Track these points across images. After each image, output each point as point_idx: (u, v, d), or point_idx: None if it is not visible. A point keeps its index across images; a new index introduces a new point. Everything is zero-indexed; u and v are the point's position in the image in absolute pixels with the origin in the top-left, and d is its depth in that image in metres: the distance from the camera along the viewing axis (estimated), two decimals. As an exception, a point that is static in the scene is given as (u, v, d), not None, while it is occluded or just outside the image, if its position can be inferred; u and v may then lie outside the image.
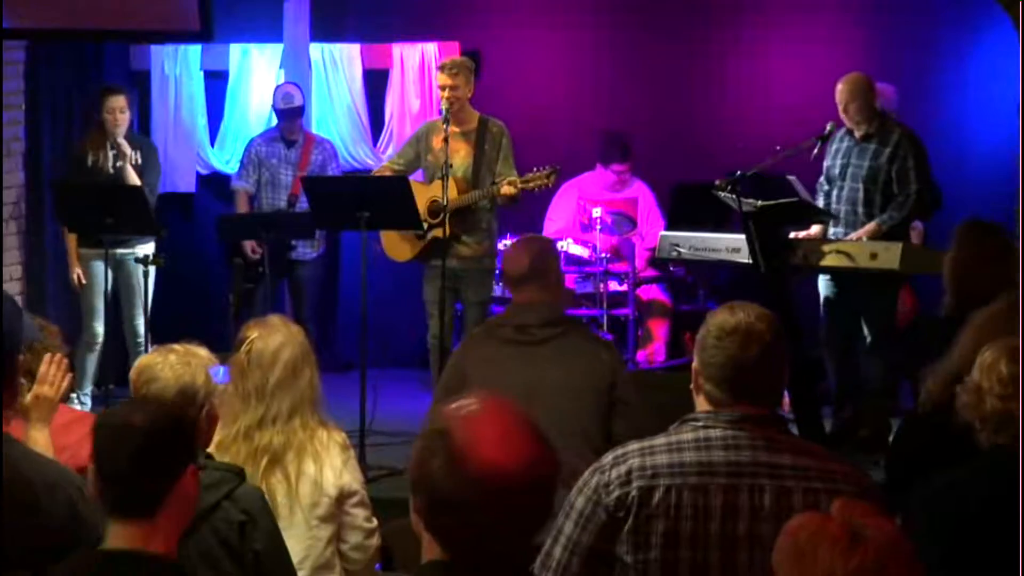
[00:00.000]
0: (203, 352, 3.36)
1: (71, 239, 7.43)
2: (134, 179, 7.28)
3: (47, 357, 3.60)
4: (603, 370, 4.37)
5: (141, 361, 3.31)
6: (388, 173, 7.04)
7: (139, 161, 7.38)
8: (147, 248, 7.28)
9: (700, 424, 2.74)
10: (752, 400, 2.74)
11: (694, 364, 2.80)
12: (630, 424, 4.25)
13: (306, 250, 7.92)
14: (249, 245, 7.73)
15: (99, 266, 7.27)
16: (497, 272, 7.41)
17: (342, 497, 3.76)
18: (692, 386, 2.80)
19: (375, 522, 3.88)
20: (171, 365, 3.23)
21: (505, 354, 4.42)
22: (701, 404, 2.78)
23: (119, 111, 7.34)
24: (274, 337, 3.75)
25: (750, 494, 2.67)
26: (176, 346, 3.33)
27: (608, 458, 2.74)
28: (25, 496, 2.60)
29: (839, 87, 6.89)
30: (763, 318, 2.76)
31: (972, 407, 3.13)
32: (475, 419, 1.97)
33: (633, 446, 2.75)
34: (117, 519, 2.48)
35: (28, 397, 3.47)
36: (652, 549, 2.65)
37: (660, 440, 2.74)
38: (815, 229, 7.02)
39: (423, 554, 2.02)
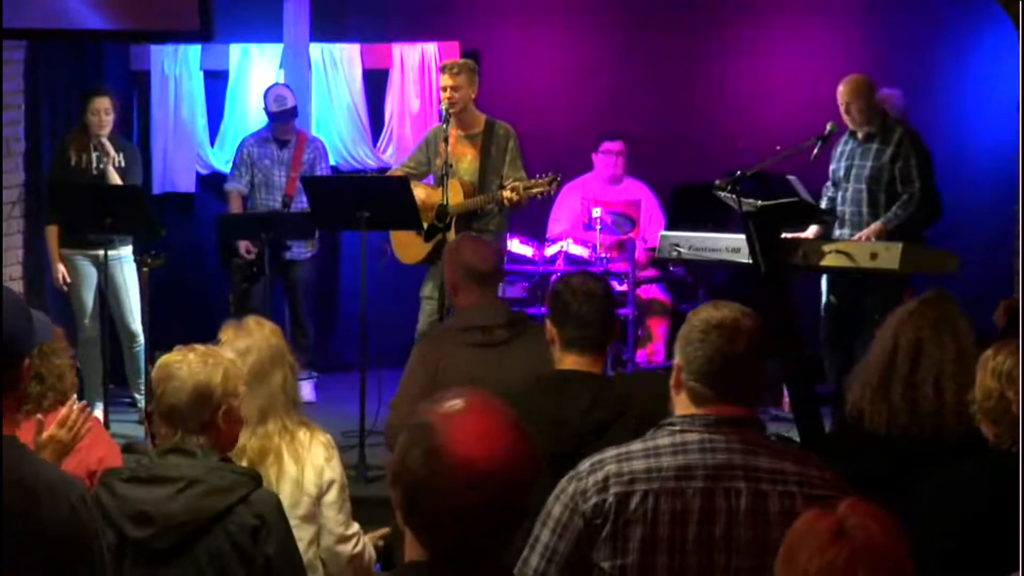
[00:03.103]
0: (225, 352, 3.36)
1: (52, 238, 7.36)
2: (116, 181, 7.21)
3: (71, 402, 3.58)
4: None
5: (163, 359, 3.30)
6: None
7: (122, 164, 7.30)
8: (127, 249, 7.26)
9: (677, 428, 2.72)
10: (734, 399, 2.71)
11: (676, 360, 2.76)
12: None
13: (300, 250, 7.89)
14: (244, 245, 7.71)
15: (84, 263, 7.27)
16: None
17: (320, 494, 3.76)
18: (672, 383, 2.76)
19: (354, 529, 3.86)
20: (189, 364, 3.23)
21: (476, 357, 4.36)
22: (681, 403, 2.75)
23: (104, 112, 7.23)
24: (241, 341, 3.73)
25: (726, 497, 2.66)
26: (199, 346, 3.32)
27: (585, 465, 2.72)
28: (26, 500, 2.58)
29: (840, 88, 6.91)
30: (748, 315, 2.74)
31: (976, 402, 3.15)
32: (458, 414, 1.96)
33: (610, 452, 2.72)
34: (575, 353, 3.49)
35: (43, 436, 3.46)
36: (630, 554, 2.64)
37: (637, 445, 2.72)
38: (812, 230, 7.01)
39: (405, 553, 2.01)
